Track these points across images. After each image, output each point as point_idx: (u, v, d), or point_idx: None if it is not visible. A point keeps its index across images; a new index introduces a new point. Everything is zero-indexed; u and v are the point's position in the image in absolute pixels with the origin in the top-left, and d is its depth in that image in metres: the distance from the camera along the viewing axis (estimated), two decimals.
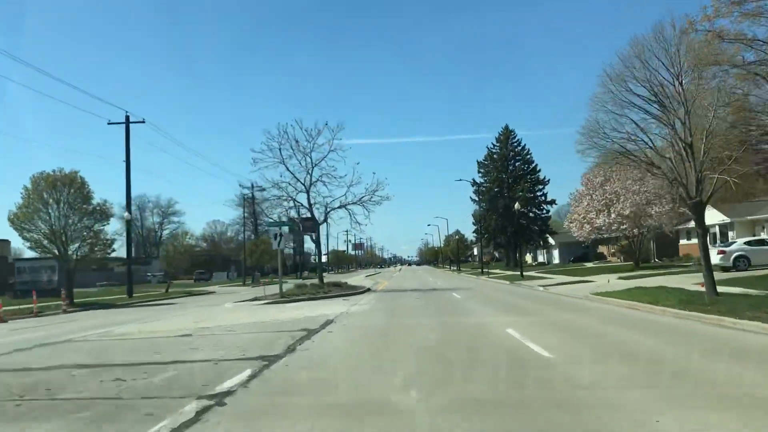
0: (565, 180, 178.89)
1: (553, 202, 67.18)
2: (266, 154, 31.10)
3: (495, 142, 69.16)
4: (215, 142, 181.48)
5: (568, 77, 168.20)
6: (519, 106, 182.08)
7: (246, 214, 72.34)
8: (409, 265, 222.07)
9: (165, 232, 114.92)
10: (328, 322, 14.81)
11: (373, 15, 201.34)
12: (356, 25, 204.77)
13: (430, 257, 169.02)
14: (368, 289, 34.08)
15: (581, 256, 69.68)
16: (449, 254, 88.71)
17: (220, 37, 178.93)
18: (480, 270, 61.07)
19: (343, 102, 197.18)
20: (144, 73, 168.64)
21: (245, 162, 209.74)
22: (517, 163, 68.11)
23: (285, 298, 24.82)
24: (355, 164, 37.47)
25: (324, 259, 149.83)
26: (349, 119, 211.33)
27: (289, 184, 32.12)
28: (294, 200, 32.52)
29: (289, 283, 35.63)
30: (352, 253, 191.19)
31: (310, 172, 32.41)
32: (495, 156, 68.60)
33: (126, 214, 36.66)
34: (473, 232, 71.16)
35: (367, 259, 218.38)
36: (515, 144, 68.16)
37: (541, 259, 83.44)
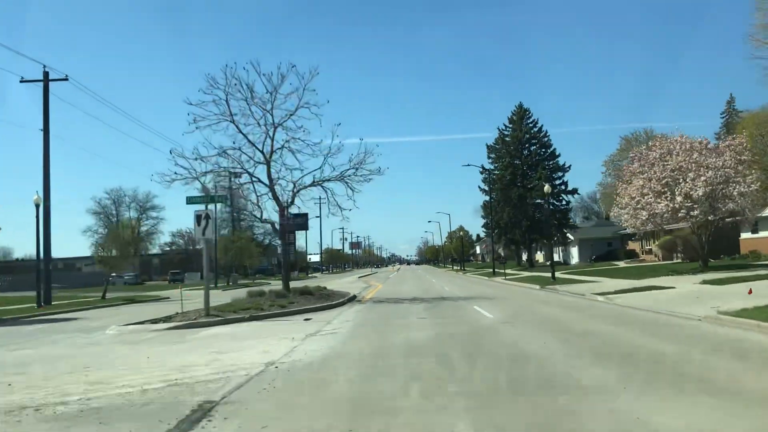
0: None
1: (574, 191, 58.22)
2: (208, 109, 22.05)
3: (507, 124, 60.15)
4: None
5: (567, 77, 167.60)
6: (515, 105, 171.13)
7: (223, 205, 63.66)
8: (408, 264, 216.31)
9: (143, 229, 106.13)
10: (220, 402, 6.02)
11: (373, 15, 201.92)
12: (356, 25, 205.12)
13: (431, 256, 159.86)
14: (353, 298, 25.10)
15: (605, 254, 60.73)
16: (452, 252, 79.53)
17: (220, 38, 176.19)
18: (492, 270, 51.98)
19: (342, 102, 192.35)
20: (144, 77, 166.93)
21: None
22: (532, 147, 59.07)
23: (212, 316, 15.79)
24: (334, 126, 25.14)
25: (316, 258, 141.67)
26: (349, 119, 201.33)
27: (242, 151, 23.02)
28: (249, 175, 23.36)
29: (259, 288, 26.57)
30: (349, 252, 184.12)
31: (271, 135, 23.36)
32: (507, 139, 59.56)
33: (35, 196, 27.61)
34: (482, 226, 62.18)
35: (364, 258, 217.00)
36: (530, 125, 59.12)
37: (555, 257, 74.26)
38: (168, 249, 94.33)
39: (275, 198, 23.39)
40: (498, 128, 60.22)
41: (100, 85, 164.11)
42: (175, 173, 21.33)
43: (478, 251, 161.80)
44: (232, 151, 22.70)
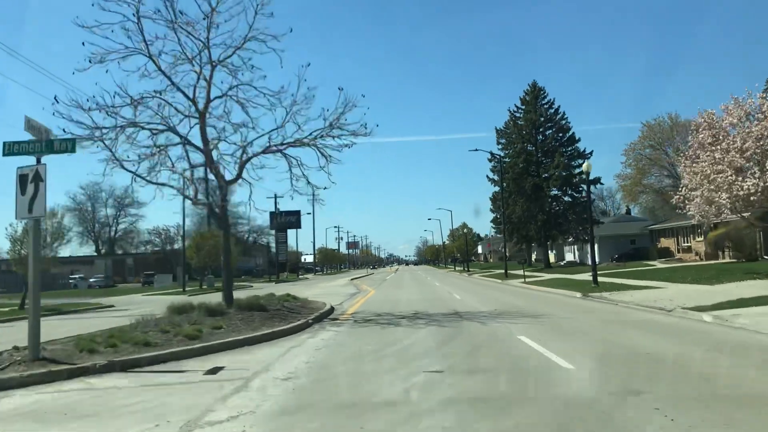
0: None
1: (597, 181, 50.92)
2: (112, 36, 14.64)
3: (519, 105, 52.91)
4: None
5: (567, 77, 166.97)
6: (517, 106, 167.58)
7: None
8: (407, 264, 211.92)
9: (120, 227, 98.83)
10: None
11: (373, 15, 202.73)
12: (356, 26, 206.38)
13: (430, 256, 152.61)
14: (328, 312, 17.84)
15: (630, 253, 53.57)
16: (455, 251, 72.33)
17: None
18: (504, 272, 44.73)
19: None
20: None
21: None
22: (548, 131, 51.88)
23: (44, 362, 8.44)
24: (302, 67, 16.68)
25: (309, 258, 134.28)
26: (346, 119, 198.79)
27: (163, 99, 15.56)
28: (177, 134, 15.89)
29: (188, 300, 19.31)
30: (346, 252, 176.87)
31: (207, 76, 15.86)
32: (520, 122, 52.36)
33: None
34: (491, 222, 55.03)
35: (362, 258, 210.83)
36: (546, 106, 51.92)
37: (570, 257, 67.21)
38: (144, 249, 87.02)
39: (211, 168, 15.85)
40: (509, 110, 53.06)
41: None
42: (64, 130, 13.88)
43: (479, 251, 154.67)
44: (151, 100, 15.29)
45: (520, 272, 49.25)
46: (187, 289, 46.10)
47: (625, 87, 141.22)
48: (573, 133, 51.23)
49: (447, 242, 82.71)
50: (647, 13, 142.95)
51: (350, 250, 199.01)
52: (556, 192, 51.62)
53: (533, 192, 50.04)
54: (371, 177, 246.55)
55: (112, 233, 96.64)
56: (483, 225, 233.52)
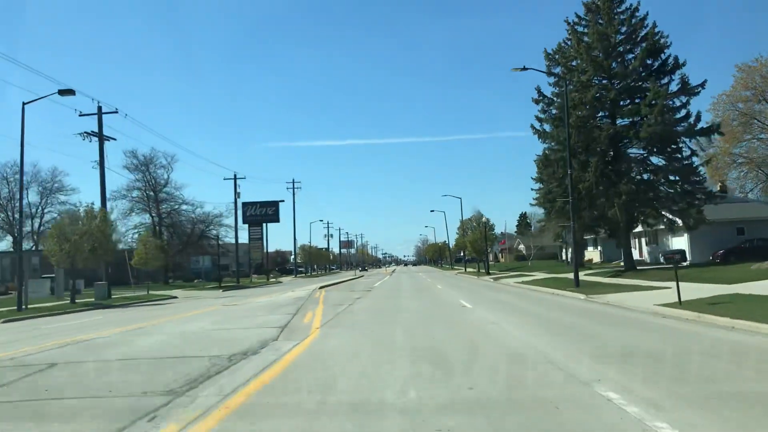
0: None
1: (712, 130, 31.67)
2: None
3: (582, 15, 33.73)
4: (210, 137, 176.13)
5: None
6: (518, 107, 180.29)
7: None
8: (405, 265, 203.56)
9: (47, 217, 79.60)
10: None
11: (373, 15, 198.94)
12: (355, 26, 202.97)
13: (432, 255, 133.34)
14: None
15: (738, 248, 34.89)
16: (467, 247, 53.19)
17: (219, 38, 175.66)
18: (575, 278, 25.44)
19: (341, 101, 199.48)
20: (143, 72, 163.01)
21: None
22: (630, 56, 32.84)
23: None
24: None
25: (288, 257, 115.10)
26: (348, 119, 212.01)
27: None
28: None
29: None
30: (338, 251, 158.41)
31: None
32: (585, 40, 33.26)
33: None
34: (535, 199, 35.58)
35: (357, 258, 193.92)
36: (626, 13, 32.79)
37: (636, 254, 47.95)
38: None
39: None
40: (566, 20, 33.75)
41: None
42: None
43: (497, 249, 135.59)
44: None
45: (589, 278, 30.17)
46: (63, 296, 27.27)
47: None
48: (670, 55, 32.16)
49: (458, 235, 63.26)
50: None
51: (344, 250, 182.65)
52: (639, 151, 32.70)
53: (609, 148, 31.08)
54: (370, 177, 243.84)
55: (37, 225, 77.44)
56: None
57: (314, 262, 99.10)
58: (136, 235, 49.60)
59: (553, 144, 31.95)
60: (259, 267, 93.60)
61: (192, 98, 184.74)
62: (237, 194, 58.33)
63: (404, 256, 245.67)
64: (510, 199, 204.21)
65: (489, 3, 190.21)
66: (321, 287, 35.05)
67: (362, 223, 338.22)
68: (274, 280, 69.13)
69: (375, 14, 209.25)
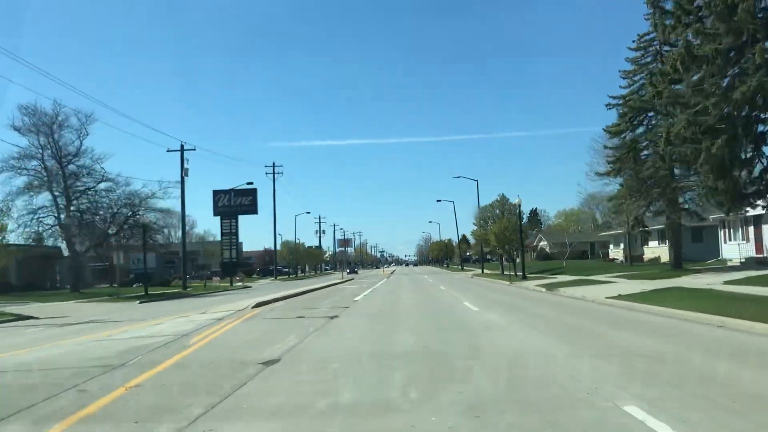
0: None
1: None
2: None
3: None
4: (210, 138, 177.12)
5: (566, 77, 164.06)
6: (517, 107, 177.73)
7: None
8: (406, 265, 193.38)
9: None
10: None
11: (373, 15, 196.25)
12: (355, 26, 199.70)
13: (436, 254, 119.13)
14: None
15: None
16: (492, 241, 38.90)
17: (218, 38, 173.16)
18: None
19: (341, 102, 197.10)
20: (143, 70, 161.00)
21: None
22: None
23: None
24: None
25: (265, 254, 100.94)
26: (348, 119, 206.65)
27: None
28: None
29: None
30: (329, 249, 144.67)
31: None
32: None
33: None
34: (610, 164, 21.21)
35: (355, 258, 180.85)
36: None
37: (652, 248, 34.00)
38: None
39: None
40: None
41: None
42: None
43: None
44: None
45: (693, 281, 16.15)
46: None
47: None
48: None
49: (478, 226, 48.97)
50: None
51: (341, 248, 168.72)
52: None
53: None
54: (370, 177, 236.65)
55: None
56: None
57: (303, 261, 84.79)
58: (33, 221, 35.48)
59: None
60: (233, 267, 79.61)
61: (192, 98, 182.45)
62: (184, 171, 44.18)
63: (405, 256, 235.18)
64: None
65: (489, 3, 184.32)
66: (261, 303, 20.93)
67: (362, 223, 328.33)
68: (241, 284, 55.16)
69: (375, 14, 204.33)
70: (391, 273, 77.97)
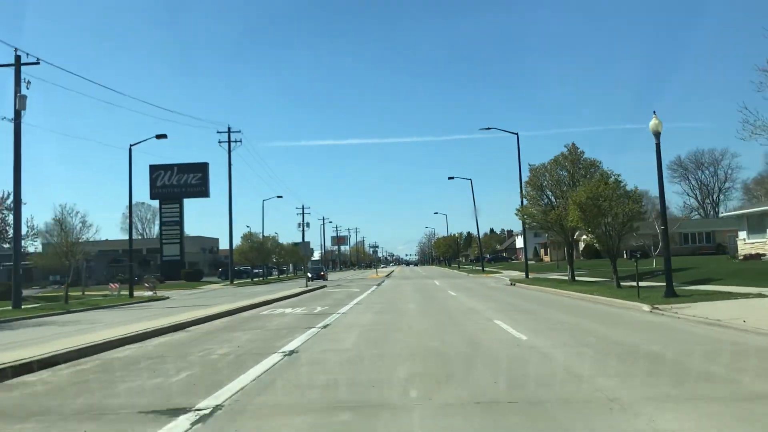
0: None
1: None
2: None
3: None
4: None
5: (566, 77, 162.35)
6: (516, 107, 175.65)
7: None
8: (407, 265, 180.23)
9: None
10: None
11: (373, 16, 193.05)
12: (355, 26, 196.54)
13: (442, 252, 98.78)
14: None
15: None
16: (573, 220, 18.69)
17: (217, 37, 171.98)
18: None
19: (341, 102, 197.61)
20: (144, 68, 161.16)
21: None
22: None
23: None
24: None
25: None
26: (347, 119, 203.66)
27: None
28: None
29: None
30: (331, 248, 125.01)
31: None
32: None
33: None
34: None
35: (352, 257, 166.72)
36: None
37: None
38: None
39: None
40: None
41: None
42: None
43: (518, 244, 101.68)
44: None
45: None
46: None
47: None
48: None
49: (527, 200, 28.39)
50: None
51: (336, 246, 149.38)
52: None
53: None
54: (370, 177, 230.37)
55: None
56: (481, 225, 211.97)
57: (268, 259, 64.58)
58: None
59: None
60: (177, 266, 59.75)
61: (191, 97, 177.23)
62: (18, 99, 24.29)
63: (406, 255, 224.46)
64: (509, 199, 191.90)
65: (489, 3, 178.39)
66: None
67: (362, 224, 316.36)
68: (151, 293, 35.47)
69: (375, 14, 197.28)
70: (386, 277, 58.01)
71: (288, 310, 18.29)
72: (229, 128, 54.70)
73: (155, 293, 36.26)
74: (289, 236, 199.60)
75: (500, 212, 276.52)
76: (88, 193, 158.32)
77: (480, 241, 57.49)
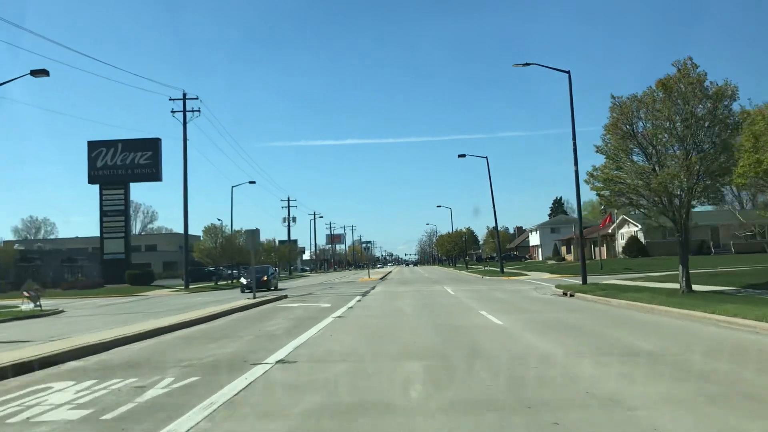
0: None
1: None
2: None
3: None
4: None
5: (566, 78, 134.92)
6: (516, 106, 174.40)
7: None
8: (406, 265, 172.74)
9: None
10: None
11: (373, 16, 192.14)
12: (355, 26, 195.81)
13: (446, 250, 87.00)
14: None
15: None
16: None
17: (218, 37, 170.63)
18: None
19: (341, 102, 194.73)
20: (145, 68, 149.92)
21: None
22: None
23: None
24: None
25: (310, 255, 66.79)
26: (347, 119, 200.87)
27: None
28: None
29: None
30: (327, 246, 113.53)
31: None
32: None
33: None
34: None
35: (348, 256, 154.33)
36: None
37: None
38: None
39: None
40: None
41: None
42: None
43: (532, 241, 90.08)
44: None
45: None
46: None
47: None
48: None
49: (601, 164, 16.96)
50: None
51: (331, 245, 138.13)
52: None
53: None
54: (369, 178, 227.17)
55: None
56: (481, 226, 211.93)
57: (234, 256, 52.70)
58: None
59: None
60: (121, 267, 48.10)
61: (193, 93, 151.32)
62: None
63: (405, 255, 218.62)
64: (512, 199, 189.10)
65: (490, 2, 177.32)
66: None
67: (362, 224, 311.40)
68: (33, 306, 23.88)
69: (375, 14, 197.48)
70: (380, 280, 46.34)
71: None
72: (184, 94, 43.10)
73: (38, 305, 24.69)
74: (276, 234, 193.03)
75: (501, 212, 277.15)
76: None
77: (498, 235, 45.52)
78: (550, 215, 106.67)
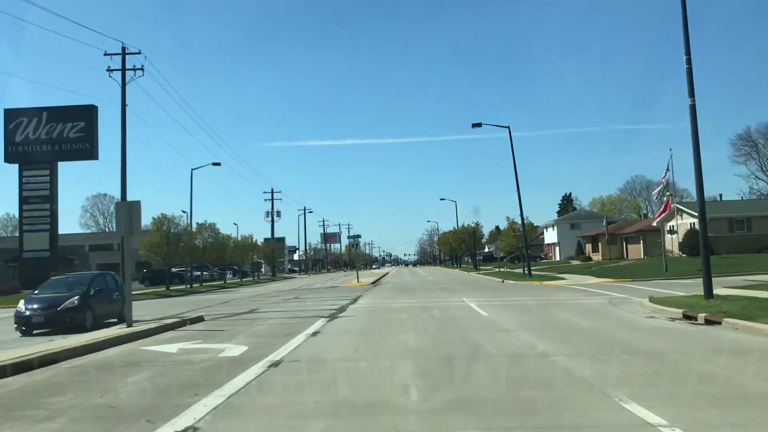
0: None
1: None
2: None
3: None
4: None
5: (566, 78, 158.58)
6: (516, 106, 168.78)
7: None
8: (406, 265, 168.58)
9: None
10: None
11: (373, 16, 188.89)
12: (355, 26, 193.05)
13: (454, 247, 76.80)
14: None
15: None
16: None
17: (218, 37, 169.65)
18: None
19: (341, 101, 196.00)
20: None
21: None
22: None
23: None
24: None
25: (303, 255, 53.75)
26: (347, 119, 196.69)
27: None
28: None
29: None
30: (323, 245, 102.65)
31: None
32: None
33: None
34: None
35: (345, 256, 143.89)
36: None
37: None
38: None
39: None
40: None
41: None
42: None
43: (548, 239, 80.00)
44: None
45: None
46: None
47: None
48: None
49: None
50: None
51: (326, 244, 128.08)
52: None
53: None
54: (368, 178, 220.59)
55: None
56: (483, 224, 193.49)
57: (180, 255, 41.99)
58: None
59: None
60: (47, 266, 38.22)
61: (190, 97, 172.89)
62: None
63: (405, 255, 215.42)
64: (513, 197, 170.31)
65: (490, 2, 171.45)
66: None
67: (361, 224, 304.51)
68: None
69: (375, 14, 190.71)
70: (371, 285, 36.33)
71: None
72: (123, 48, 32.99)
73: None
74: (264, 233, 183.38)
75: (503, 211, 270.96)
76: None
77: (524, 228, 35.01)
78: (558, 212, 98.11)
